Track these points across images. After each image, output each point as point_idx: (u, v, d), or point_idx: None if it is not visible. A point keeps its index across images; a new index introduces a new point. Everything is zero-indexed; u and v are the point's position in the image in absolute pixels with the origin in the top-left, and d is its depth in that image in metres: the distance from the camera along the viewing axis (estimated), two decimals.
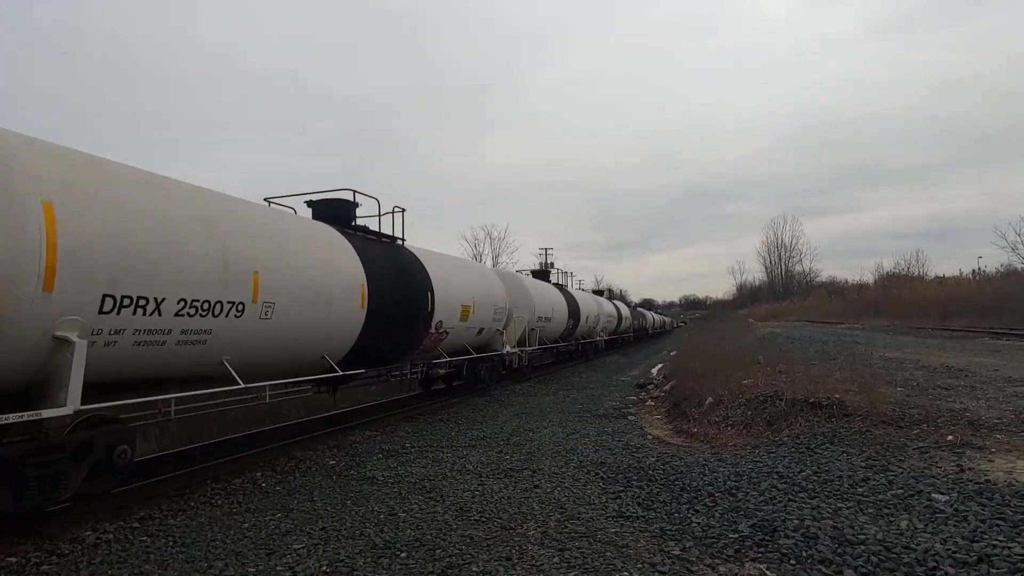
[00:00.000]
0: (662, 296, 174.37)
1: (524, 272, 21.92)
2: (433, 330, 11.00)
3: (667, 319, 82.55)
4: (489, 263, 48.63)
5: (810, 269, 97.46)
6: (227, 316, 6.30)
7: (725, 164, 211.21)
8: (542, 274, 23.34)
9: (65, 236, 4.75)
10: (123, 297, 5.21)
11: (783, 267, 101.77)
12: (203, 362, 6.33)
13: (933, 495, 4.96)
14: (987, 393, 9.24)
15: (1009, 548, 3.83)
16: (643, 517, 5.07)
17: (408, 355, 10.86)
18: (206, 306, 6.04)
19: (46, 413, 4.81)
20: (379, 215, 10.70)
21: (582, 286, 36.07)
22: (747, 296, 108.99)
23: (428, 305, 10.71)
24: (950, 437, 6.74)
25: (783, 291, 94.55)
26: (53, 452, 5.15)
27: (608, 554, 4.28)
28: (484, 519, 5.16)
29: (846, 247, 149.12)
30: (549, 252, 37.18)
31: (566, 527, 4.86)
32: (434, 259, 11.72)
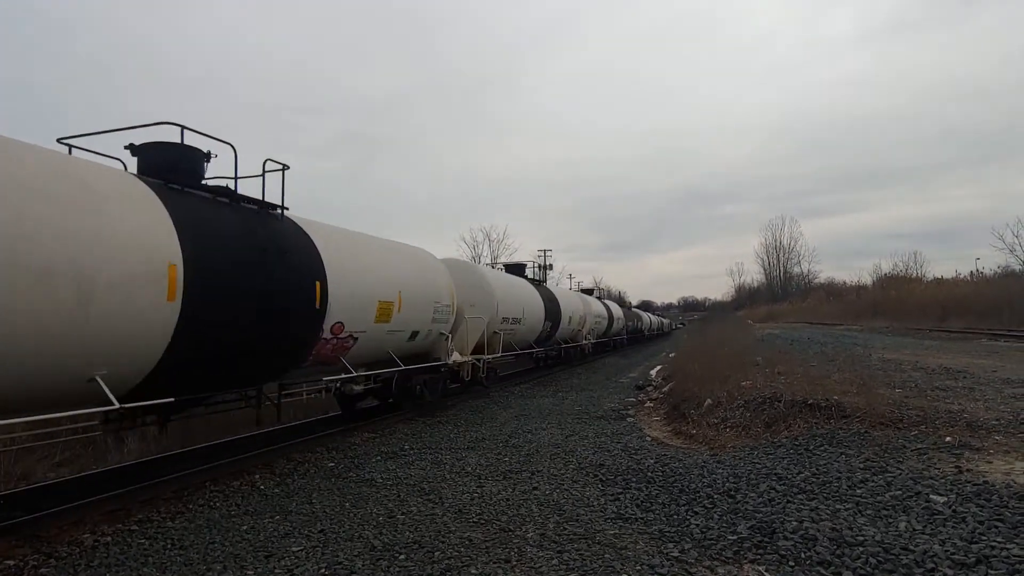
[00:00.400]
0: (660, 297, 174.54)
1: (497, 266, 20.11)
2: (329, 335, 8.05)
3: (665, 320, 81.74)
4: (488, 263, 48.31)
5: (808, 271, 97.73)
6: None
7: (723, 165, 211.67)
8: (516, 268, 20.14)
9: None
10: None
11: (781, 268, 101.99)
12: None
13: (931, 496, 4.96)
14: (985, 394, 9.26)
15: (1007, 549, 3.84)
16: (642, 519, 5.07)
17: (286, 372, 7.98)
18: None
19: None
20: (263, 176, 7.60)
21: (580, 287, 35.91)
22: (746, 297, 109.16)
23: (316, 300, 7.60)
24: (948, 438, 6.74)
25: (782, 292, 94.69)
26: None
27: (607, 556, 4.28)
28: (483, 521, 5.16)
29: (844, 248, 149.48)
30: (548, 253, 37.12)
31: (565, 529, 4.86)
32: (333, 237, 8.60)
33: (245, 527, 5.29)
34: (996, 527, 4.25)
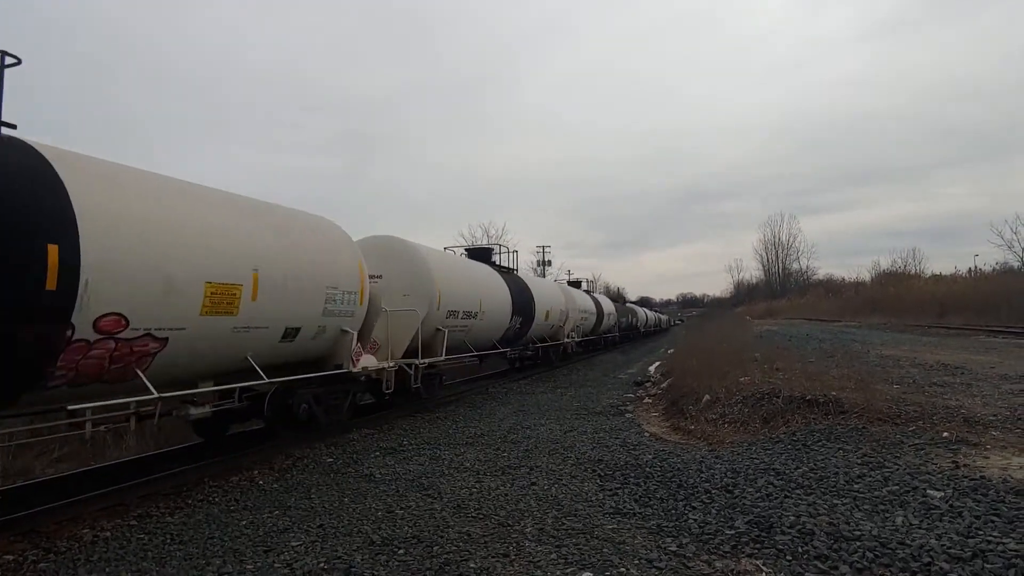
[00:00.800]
0: (659, 294, 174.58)
1: (458, 252, 16.57)
2: (93, 336, 5.17)
3: (663, 316, 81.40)
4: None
5: (807, 267, 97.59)
6: None
7: (722, 163, 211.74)
8: (479, 253, 16.97)
9: None
10: None
11: (780, 265, 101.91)
12: None
13: (928, 491, 4.98)
14: (983, 390, 9.28)
15: (1004, 543, 3.85)
16: (640, 514, 5.08)
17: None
18: None
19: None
20: None
21: (569, 279, 35.61)
22: (744, 294, 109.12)
23: (46, 275, 4.72)
24: (946, 434, 6.76)
25: (780, 289, 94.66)
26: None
27: (605, 550, 4.30)
28: (481, 516, 5.17)
29: (843, 246, 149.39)
30: (547, 250, 37.02)
31: (563, 524, 4.88)
32: (108, 176, 5.69)
33: (244, 522, 5.30)
34: (992, 521, 4.26)
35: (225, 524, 5.28)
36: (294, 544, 4.69)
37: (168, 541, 4.92)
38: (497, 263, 17.44)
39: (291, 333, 7.66)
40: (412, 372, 10.73)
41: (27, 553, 4.74)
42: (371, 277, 10.10)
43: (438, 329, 11.56)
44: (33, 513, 5.50)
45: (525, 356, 19.44)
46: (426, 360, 11.11)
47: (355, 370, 8.89)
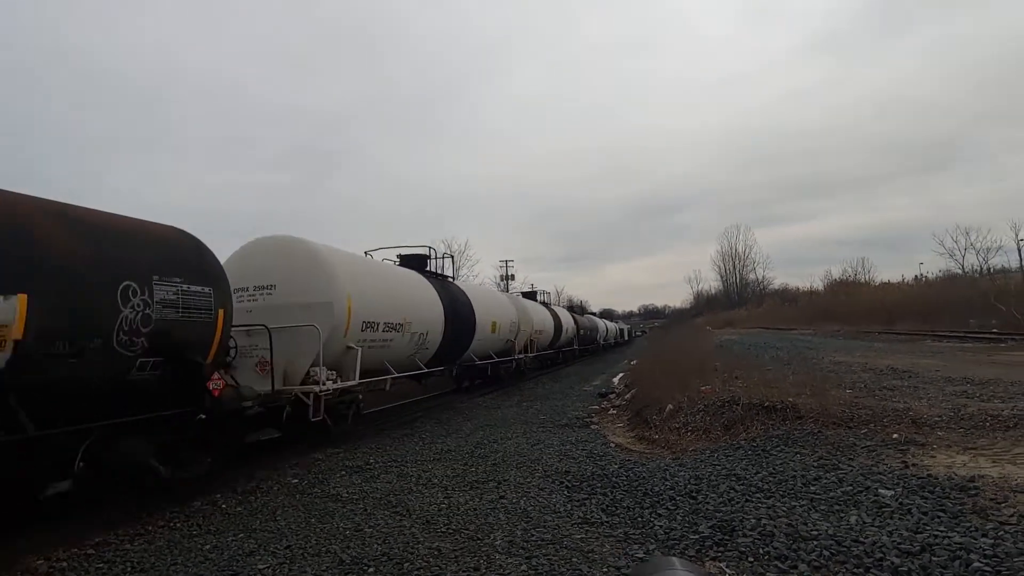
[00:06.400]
0: (621, 305, 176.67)
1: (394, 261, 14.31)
2: None
3: (626, 327, 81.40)
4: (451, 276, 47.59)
5: (763, 277, 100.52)
6: None
7: (675, 178, 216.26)
8: (413, 260, 14.69)
9: None
10: None
11: (738, 275, 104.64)
12: None
13: (880, 491, 5.21)
14: (929, 393, 9.72)
15: (949, 537, 4.07)
16: (607, 523, 5.17)
17: None
18: None
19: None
20: None
21: (546, 298, 35.61)
22: (704, 304, 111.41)
23: None
24: (895, 435, 7.07)
25: (738, 299, 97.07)
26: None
27: (574, 559, 4.37)
28: (451, 531, 5.18)
29: (796, 256, 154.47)
30: (510, 264, 37.17)
31: (532, 535, 4.93)
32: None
33: (208, 547, 5.19)
34: (939, 517, 4.49)
35: (188, 550, 5.15)
36: (261, 567, 4.62)
37: (128, 569, 4.79)
38: (432, 270, 15.44)
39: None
40: (311, 401, 8.62)
41: None
42: (259, 288, 9.18)
43: (349, 347, 9.52)
44: None
45: (472, 375, 17.86)
46: (331, 386, 8.88)
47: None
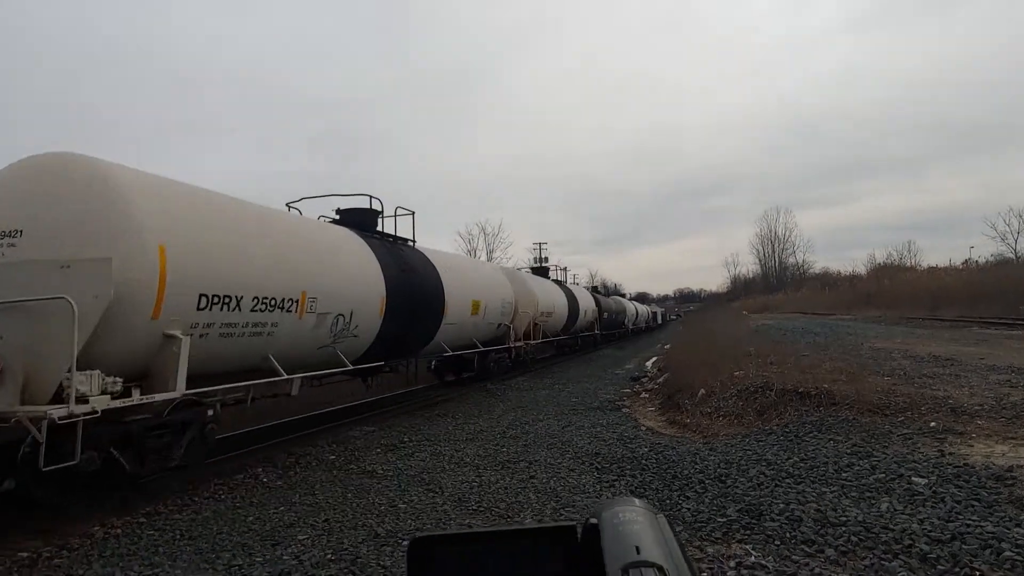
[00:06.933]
0: (656, 289, 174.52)
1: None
2: None
3: (658, 311, 79.67)
4: (484, 259, 47.79)
5: (803, 261, 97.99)
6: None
7: (711, 158, 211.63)
8: (354, 215, 10.83)
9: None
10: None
11: (777, 259, 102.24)
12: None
13: (913, 479, 5.16)
14: (971, 381, 9.48)
15: (982, 527, 4.03)
16: None
17: None
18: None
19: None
20: None
21: (576, 280, 35.28)
22: (741, 288, 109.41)
23: None
24: (933, 424, 6.95)
25: (777, 283, 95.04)
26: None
27: None
28: (482, 509, 5.33)
29: (839, 239, 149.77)
30: (544, 247, 36.96)
31: (562, 515, 5.05)
32: None
33: (251, 518, 5.45)
34: (973, 506, 4.44)
35: (232, 520, 5.42)
36: (301, 538, 4.85)
37: (178, 537, 5.07)
38: (384, 231, 11.34)
39: None
40: (77, 433, 5.02)
41: (41, 550, 4.88)
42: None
43: (169, 336, 5.88)
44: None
45: (456, 367, 14.98)
46: (88, 406, 4.99)
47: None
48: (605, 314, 31.14)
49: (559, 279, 26.82)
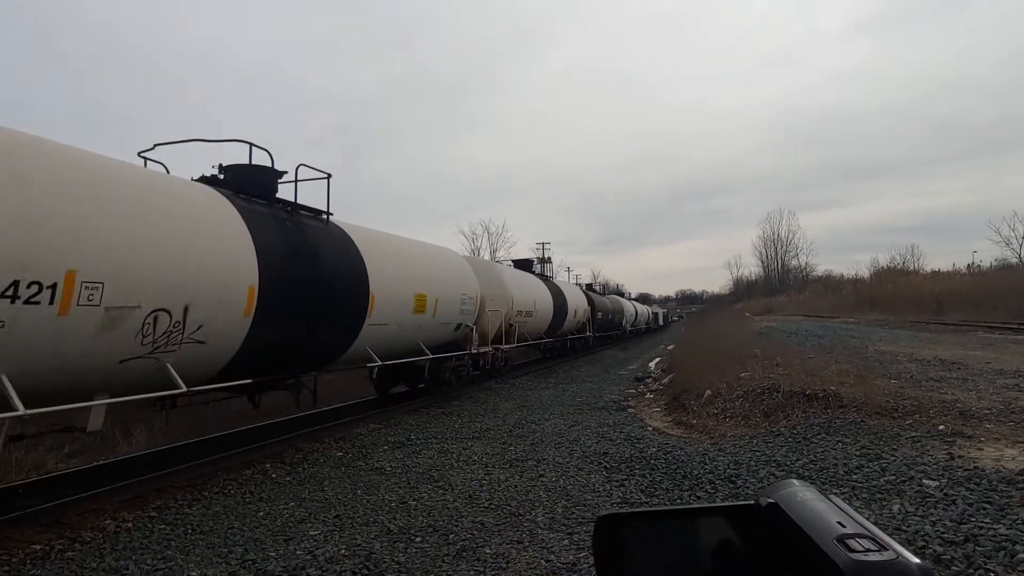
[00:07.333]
0: (658, 290, 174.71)
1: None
2: None
3: (661, 312, 78.92)
4: (487, 258, 47.53)
5: (806, 263, 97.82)
6: None
7: (717, 160, 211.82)
8: (243, 173, 7.81)
9: None
10: None
11: (779, 261, 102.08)
12: None
13: (924, 481, 5.16)
14: (978, 385, 9.46)
15: (995, 529, 4.03)
16: (646, 504, 5.26)
17: None
18: None
19: None
20: None
21: (578, 280, 35.03)
22: (743, 290, 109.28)
23: None
24: (941, 427, 6.94)
25: (779, 285, 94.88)
26: None
27: None
28: (493, 506, 5.35)
29: (842, 242, 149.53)
30: (547, 246, 36.79)
31: (573, 513, 5.06)
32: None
33: (262, 513, 5.47)
34: (984, 508, 4.44)
35: (243, 515, 5.44)
36: (313, 533, 4.86)
37: (190, 531, 5.09)
38: (280, 200, 8.25)
39: None
40: None
41: (54, 543, 4.91)
42: None
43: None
44: (56, 505, 5.67)
45: (406, 377, 12.13)
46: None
47: None
48: (599, 314, 28.75)
49: (544, 273, 23.73)
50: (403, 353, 10.67)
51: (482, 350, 13.78)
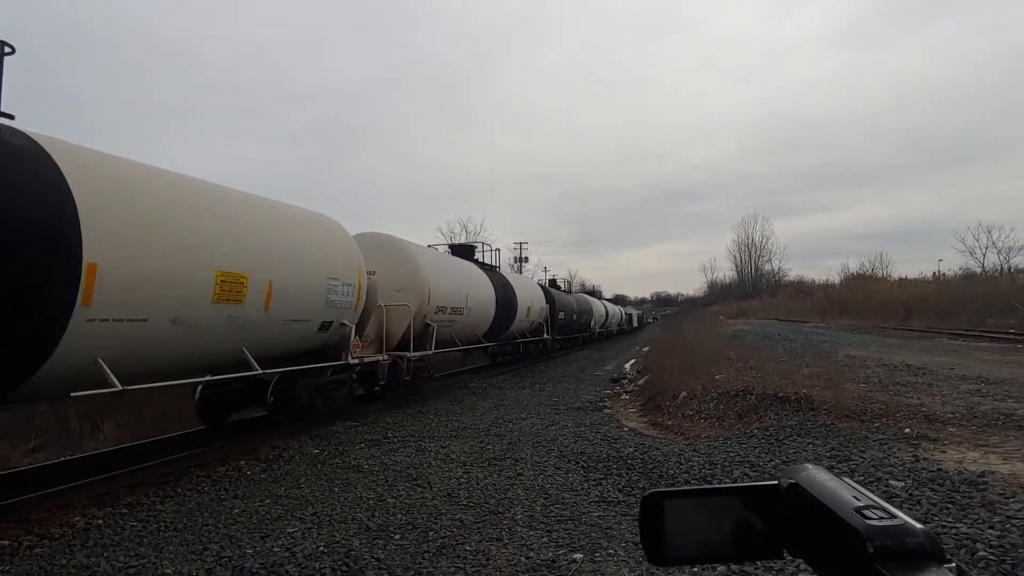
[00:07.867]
0: (634, 292, 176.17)
1: None
2: None
3: (635, 313, 78.47)
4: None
5: (779, 268, 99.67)
6: None
7: (695, 163, 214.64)
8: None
9: None
10: None
11: (753, 265, 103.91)
12: None
13: (891, 482, 5.31)
14: (943, 390, 9.74)
15: (957, 528, 4.18)
16: (624, 502, 5.33)
17: None
18: None
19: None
20: None
21: (556, 280, 35.02)
22: (718, 293, 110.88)
23: None
24: (907, 430, 7.14)
25: (753, 289, 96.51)
26: None
27: (593, 534, 4.53)
28: (472, 504, 5.36)
29: (813, 248, 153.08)
30: (525, 246, 36.87)
31: (551, 511, 5.10)
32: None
33: (237, 510, 5.42)
34: (948, 508, 4.59)
35: (218, 512, 5.38)
36: (290, 530, 4.83)
37: (162, 528, 5.02)
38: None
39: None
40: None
41: (22, 539, 4.80)
42: None
43: None
44: (22, 501, 5.54)
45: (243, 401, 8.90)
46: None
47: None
48: (561, 314, 24.51)
49: (491, 264, 19.45)
50: (210, 367, 7.13)
51: (372, 359, 10.50)
